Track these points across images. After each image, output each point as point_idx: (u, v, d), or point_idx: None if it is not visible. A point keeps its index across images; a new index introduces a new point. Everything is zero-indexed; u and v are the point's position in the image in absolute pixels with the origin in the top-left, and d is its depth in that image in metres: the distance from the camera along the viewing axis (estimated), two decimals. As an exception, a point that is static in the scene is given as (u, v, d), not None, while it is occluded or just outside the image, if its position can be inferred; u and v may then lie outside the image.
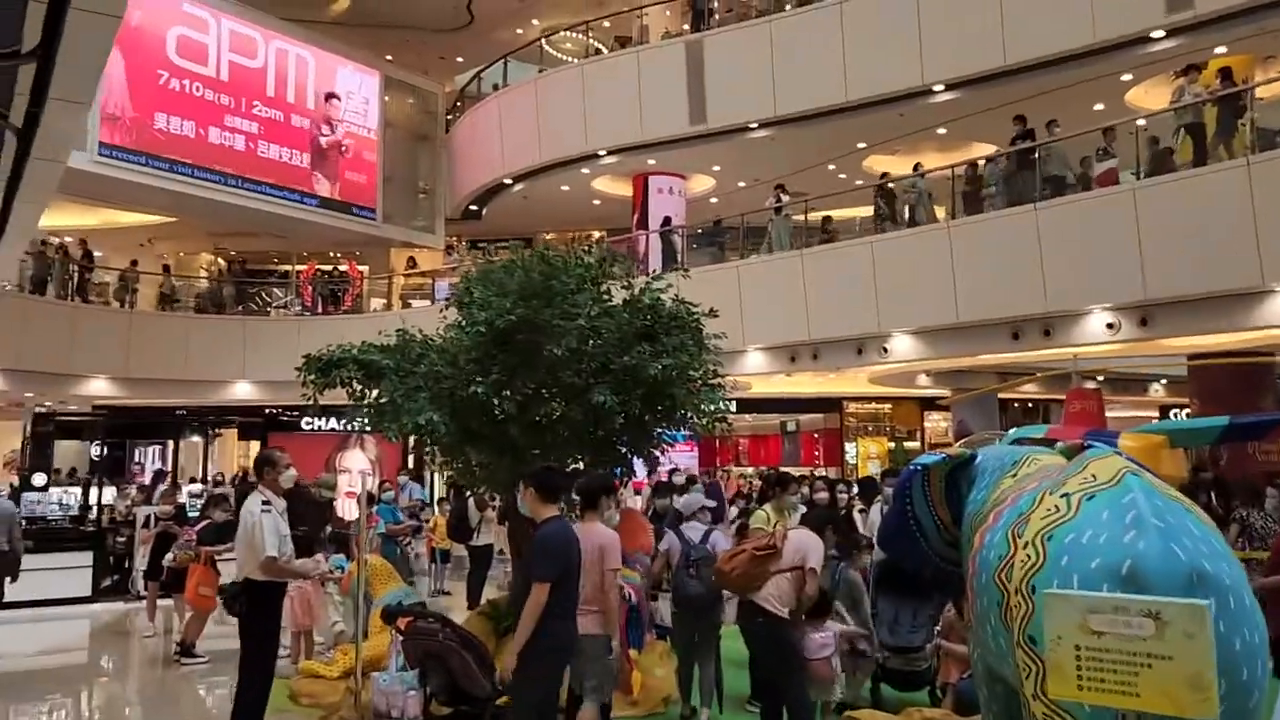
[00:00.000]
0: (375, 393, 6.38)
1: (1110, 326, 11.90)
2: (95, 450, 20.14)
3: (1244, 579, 2.94)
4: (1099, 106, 15.04)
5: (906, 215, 15.09)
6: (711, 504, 7.95)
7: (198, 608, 8.98)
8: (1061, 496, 3.20)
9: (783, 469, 24.55)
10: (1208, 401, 13.32)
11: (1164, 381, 22.27)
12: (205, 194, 18.71)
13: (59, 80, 4.80)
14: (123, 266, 20.79)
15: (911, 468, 4.11)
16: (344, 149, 21.42)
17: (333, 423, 18.02)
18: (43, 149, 5.81)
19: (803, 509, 7.87)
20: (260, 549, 5.54)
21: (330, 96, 21.23)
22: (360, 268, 23.19)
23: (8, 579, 10.29)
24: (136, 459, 22.34)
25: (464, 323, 6.11)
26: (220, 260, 24.95)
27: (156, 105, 18.02)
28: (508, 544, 8.18)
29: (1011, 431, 10.03)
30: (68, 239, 20.97)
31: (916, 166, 15.94)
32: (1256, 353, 13.34)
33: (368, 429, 6.46)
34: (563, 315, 5.89)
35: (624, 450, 6.43)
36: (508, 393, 5.83)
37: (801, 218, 16.53)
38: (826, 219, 16.65)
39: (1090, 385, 16.10)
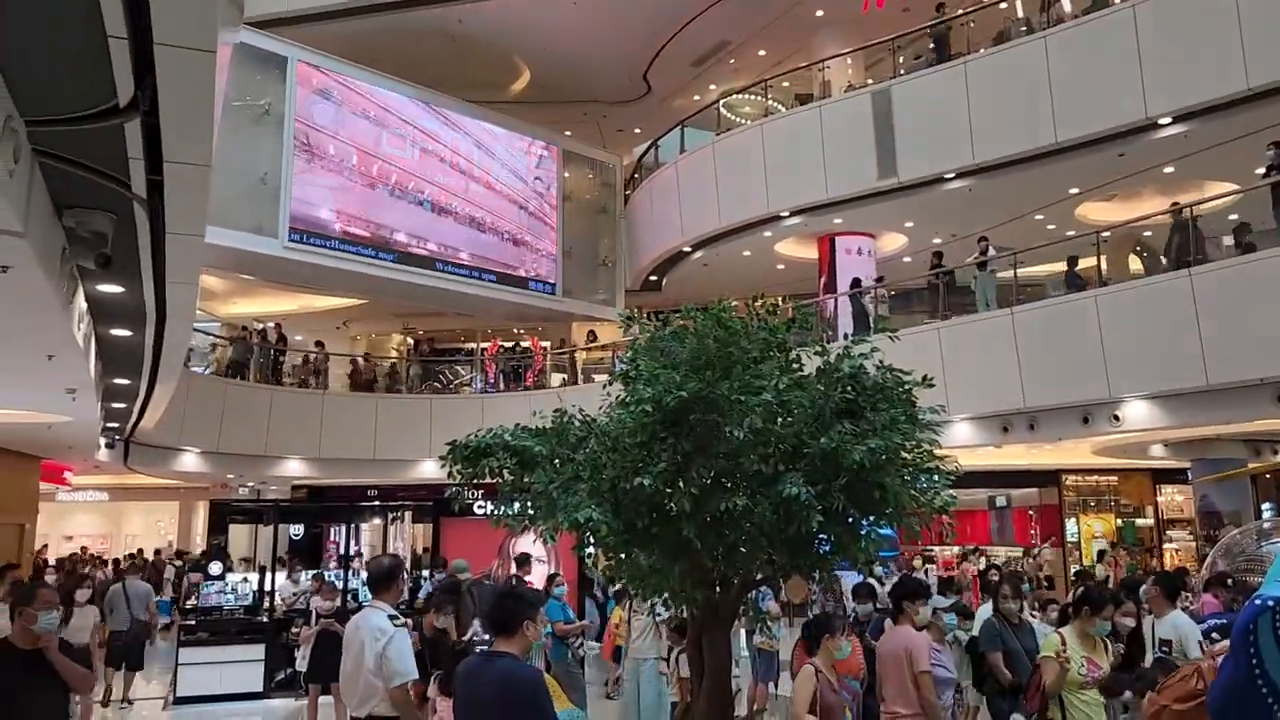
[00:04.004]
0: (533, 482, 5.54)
1: None
2: (294, 531, 20.51)
3: None
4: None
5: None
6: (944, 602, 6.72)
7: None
8: None
9: (994, 549, 22.47)
10: None
11: None
12: (387, 274, 18.95)
13: (170, 137, 4.27)
14: (319, 349, 21.35)
15: (1255, 604, 2.82)
16: (524, 223, 21.41)
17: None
18: (175, 223, 5.37)
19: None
20: (395, 673, 4.75)
21: (511, 173, 21.32)
22: (542, 343, 23.05)
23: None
24: (332, 537, 22.67)
25: (628, 400, 5.21)
26: (409, 340, 25.42)
27: (342, 188, 18.46)
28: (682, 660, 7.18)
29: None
30: (269, 324, 21.80)
31: None
32: None
33: (521, 524, 5.60)
34: (744, 389, 4.89)
35: (826, 551, 5.32)
36: (680, 484, 4.88)
37: (1010, 274, 14.97)
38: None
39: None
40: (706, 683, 5.59)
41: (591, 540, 5.40)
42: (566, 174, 22.61)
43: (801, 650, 5.96)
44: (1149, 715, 3.97)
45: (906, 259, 19.01)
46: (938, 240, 18.04)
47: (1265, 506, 19.81)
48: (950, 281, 15.71)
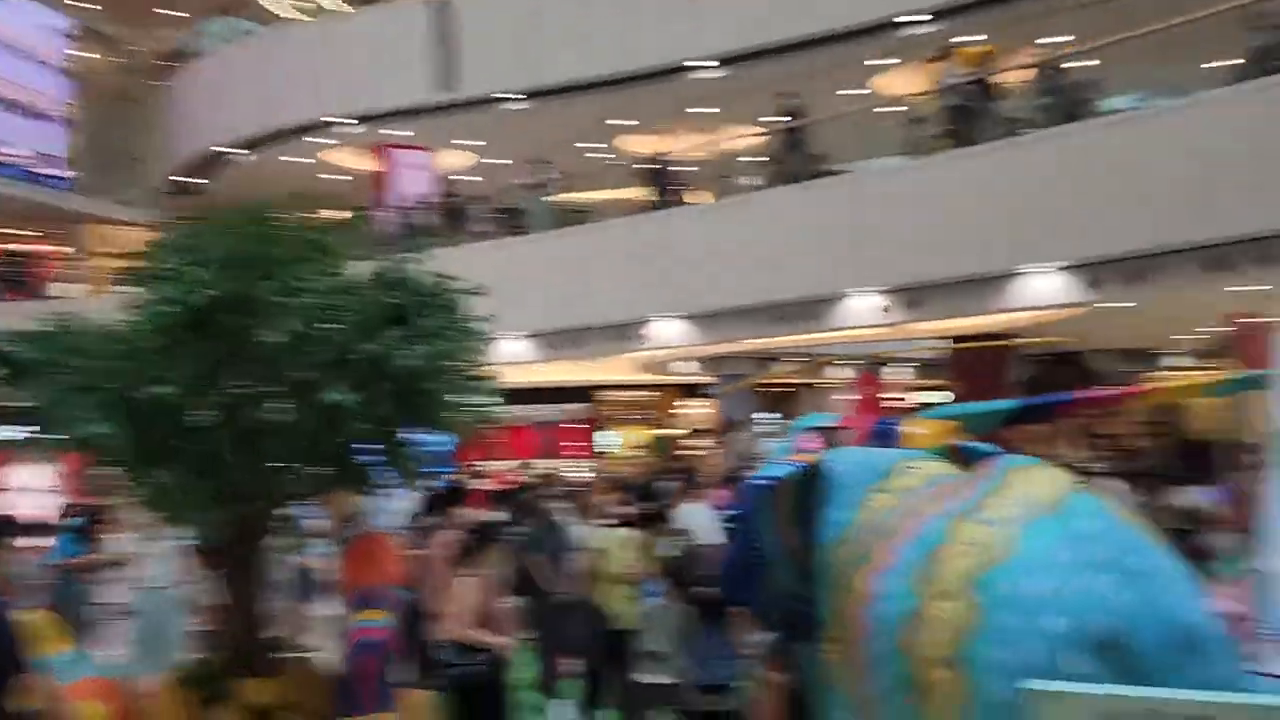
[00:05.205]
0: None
1: (885, 310, 11.74)
2: None
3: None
4: (843, 91, 15.00)
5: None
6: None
7: None
8: (984, 524, 2.35)
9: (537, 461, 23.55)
10: (965, 385, 13.48)
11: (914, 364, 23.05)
12: None
13: None
14: None
15: (755, 483, 3.16)
16: (23, 104, 18.36)
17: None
18: None
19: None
20: None
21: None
22: (59, 248, 20.10)
23: None
24: None
25: (153, 300, 4.60)
26: None
27: None
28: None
29: (799, 422, 9.49)
30: None
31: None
32: (1002, 336, 13.68)
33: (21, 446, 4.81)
34: (284, 291, 4.53)
35: (372, 462, 5.15)
36: (210, 394, 4.43)
37: (563, 197, 15.61)
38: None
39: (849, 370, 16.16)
40: (239, 606, 5.24)
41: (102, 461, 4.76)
42: (85, 51, 19.64)
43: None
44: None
45: (477, 178, 18.99)
46: (506, 161, 18.22)
47: (766, 415, 22.82)
48: (462, 212, 16.38)
